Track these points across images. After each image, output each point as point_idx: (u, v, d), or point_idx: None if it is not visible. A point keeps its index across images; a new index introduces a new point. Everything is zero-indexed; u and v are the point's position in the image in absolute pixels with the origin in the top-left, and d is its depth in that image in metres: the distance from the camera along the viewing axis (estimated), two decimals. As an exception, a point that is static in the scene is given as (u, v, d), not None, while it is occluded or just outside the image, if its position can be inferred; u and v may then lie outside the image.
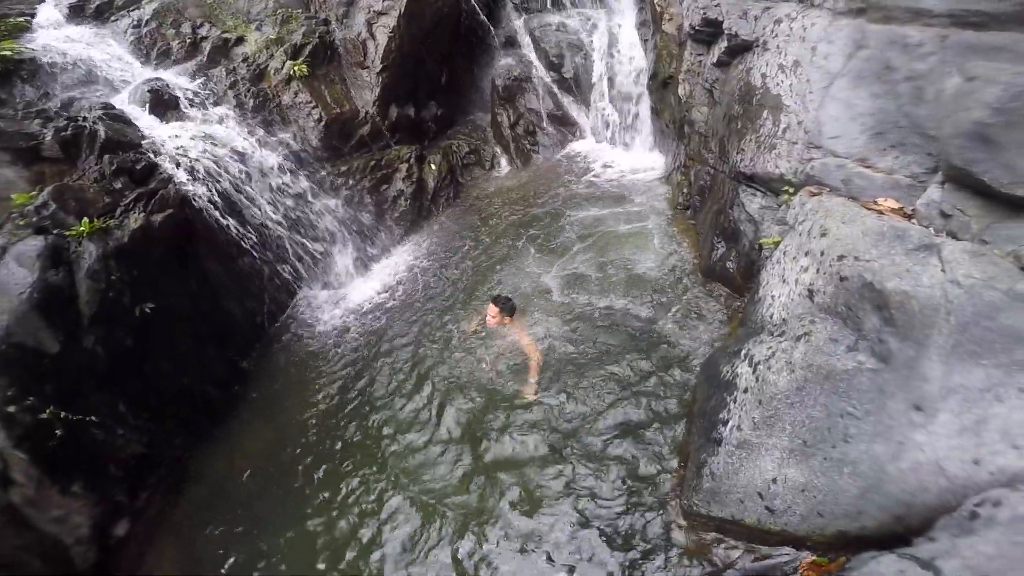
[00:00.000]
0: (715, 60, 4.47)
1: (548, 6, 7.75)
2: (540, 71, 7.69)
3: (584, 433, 3.66)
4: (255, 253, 5.66)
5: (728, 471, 2.69)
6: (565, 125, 7.75)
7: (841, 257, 2.72)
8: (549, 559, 3.01)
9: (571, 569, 2.92)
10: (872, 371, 2.44)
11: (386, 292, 6.02)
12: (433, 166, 7.44)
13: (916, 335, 2.35)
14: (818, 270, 2.85)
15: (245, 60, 6.22)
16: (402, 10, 6.69)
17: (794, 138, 3.60)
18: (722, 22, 4.24)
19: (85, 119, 4.89)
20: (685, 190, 5.31)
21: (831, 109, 3.38)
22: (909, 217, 2.87)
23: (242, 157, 5.63)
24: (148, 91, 5.42)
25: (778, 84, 3.76)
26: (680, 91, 5.17)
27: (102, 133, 4.84)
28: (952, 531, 1.95)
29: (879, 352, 2.45)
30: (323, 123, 6.36)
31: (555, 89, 7.64)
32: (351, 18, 6.89)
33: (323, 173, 6.40)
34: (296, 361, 5.38)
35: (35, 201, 4.26)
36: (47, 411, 3.78)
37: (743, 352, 2.99)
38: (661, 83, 5.65)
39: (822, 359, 2.57)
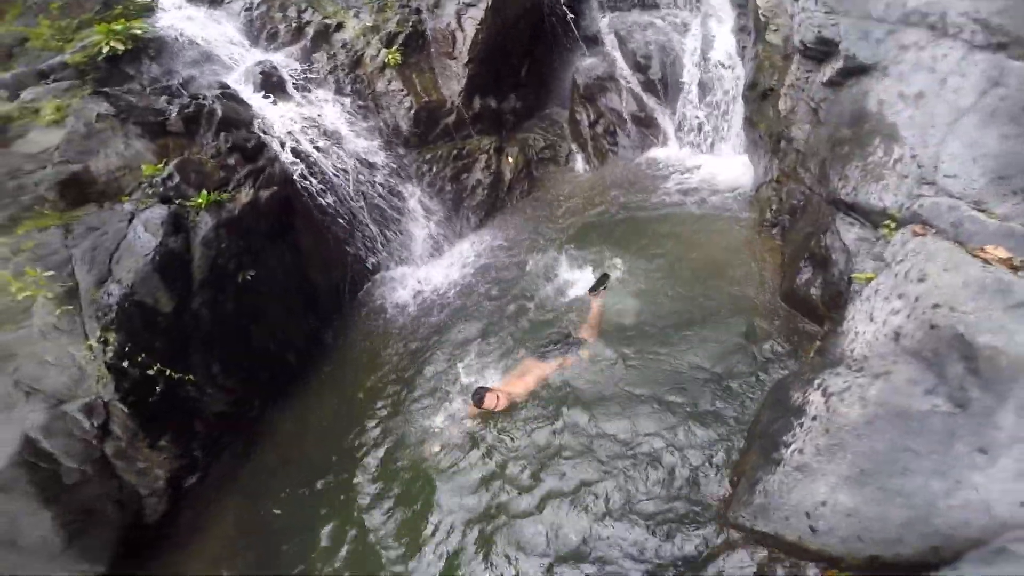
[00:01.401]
0: (825, 79, 4.40)
1: (636, 5, 7.72)
2: (624, 71, 7.70)
3: (637, 445, 3.82)
4: (343, 231, 6.21)
5: (781, 490, 2.85)
6: (647, 128, 7.73)
7: (936, 306, 2.77)
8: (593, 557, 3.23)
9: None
10: (946, 414, 2.55)
11: (458, 275, 6.48)
12: (511, 159, 7.70)
13: (998, 387, 2.44)
14: (909, 315, 2.89)
15: (344, 46, 6.67)
16: (490, 3, 6.94)
17: (905, 171, 3.57)
18: (839, 42, 4.17)
19: (205, 97, 5.46)
20: (774, 207, 5.25)
21: (952, 146, 3.33)
22: (1016, 269, 2.81)
23: (339, 140, 6.10)
24: (259, 72, 5.95)
25: (896, 113, 3.73)
26: (781, 105, 5.10)
27: (219, 111, 5.40)
28: (976, 563, 2.18)
29: (957, 398, 2.53)
30: (412, 111, 6.75)
31: (639, 91, 7.62)
32: (441, 8, 7.19)
33: (409, 159, 6.87)
34: (369, 336, 5.93)
35: (162, 173, 4.87)
36: (155, 367, 4.32)
37: (817, 382, 3.09)
38: (760, 94, 5.56)
39: (898, 398, 2.69)
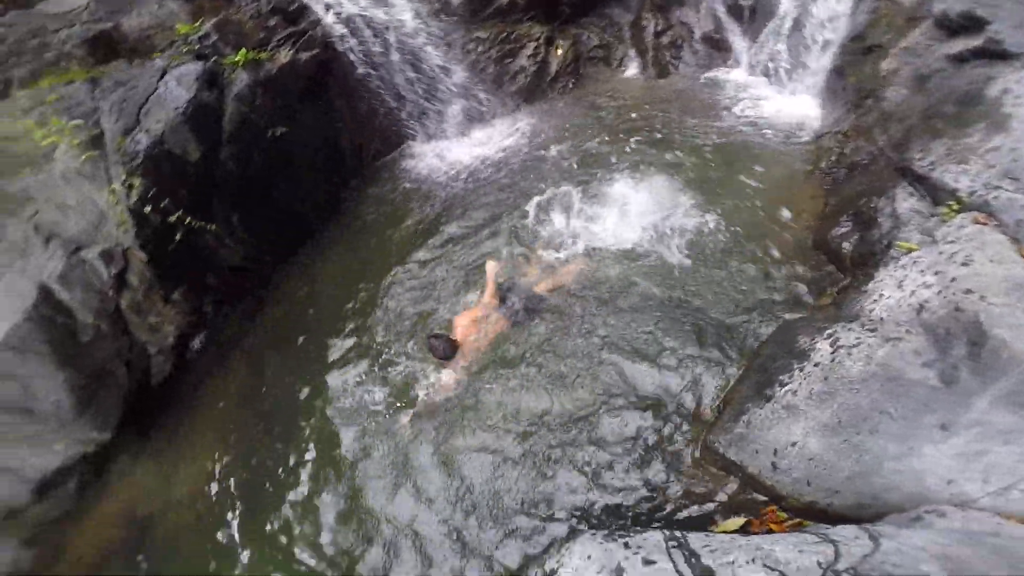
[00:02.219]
0: (953, 53, 4.41)
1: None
2: (712, -11, 7.27)
3: (642, 352, 4.12)
4: (376, 97, 6.38)
5: (763, 424, 3.18)
6: (719, 51, 7.46)
7: (968, 291, 2.93)
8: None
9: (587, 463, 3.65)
10: (931, 388, 2.79)
11: (482, 157, 6.71)
12: (560, 50, 7.54)
13: (989, 375, 2.66)
14: (939, 292, 3.07)
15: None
16: None
17: (994, 162, 3.67)
18: (989, 23, 4.17)
19: None
20: (833, 157, 5.32)
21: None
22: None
23: (386, 5, 6.04)
24: None
25: (1017, 106, 3.78)
26: (884, 64, 5.10)
27: None
28: (895, 526, 2.46)
29: (947, 376, 2.77)
30: (466, -14, 6.51)
31: (722, 12, 7.26)
32: None
33: (456, 35, 6.80)
34: (385, 202, 6.26)
35: (199, 31, 4.96)
36: (177, 214, 4.62)
37: (828, 332, 3.32)
38: (864, 48, 5.57)
39: (898, 364, 2.91)
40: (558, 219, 5.46)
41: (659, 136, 6.38)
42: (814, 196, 5.20)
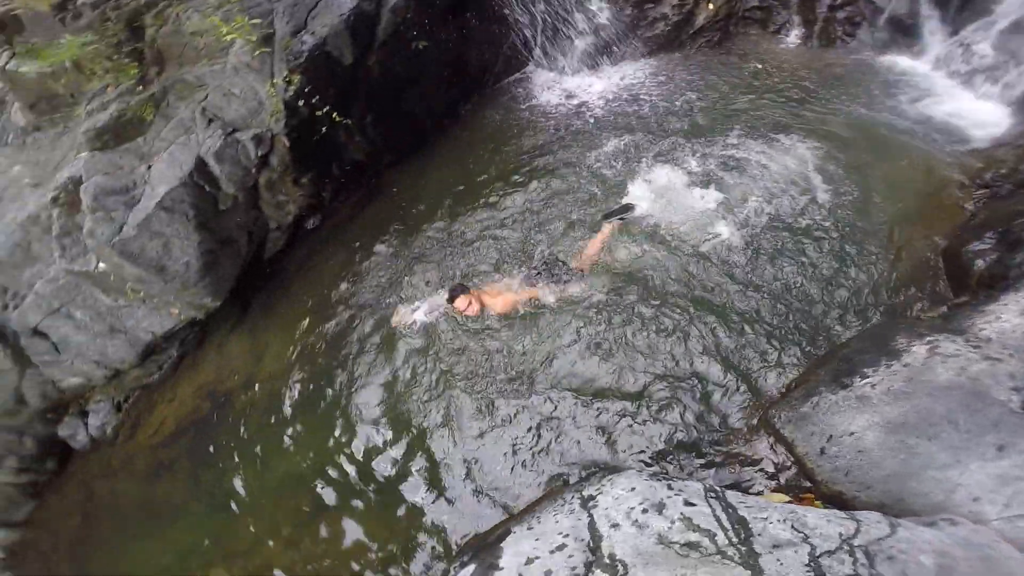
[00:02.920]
0: None
1: None
2: (917, -32, 6.76)
3: (724, 325, 4.38)
4: (507, 20, 6.84)
5: (831, 409, 3.34)
6: (904, 36, 6.96)
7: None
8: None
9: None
10: (1009, 410, 2.86)
11: (603, 95, 6.98)
12: (712, 5, 7.39)
13: None
14: None
15: None
16: None
17: None
18: None
19: None
20: (1003, 171, 5.04)
21: None
22: None
23: None
24: None
25: None
26: None
27: None
28: (911, 525, 2.63)
29: None
30: (624, -81, 6.58)
31: None
32: None
33: None
34: (501, 123, 6.84)
35: None
36: (323, 110, 5.38)
37: (929, 339, 3.40)
38: None
39: (988, 382, 2.97)
40: (663, 176, 5.61)
41: (804, 108, 6.22)
42: (959, 206, 5.03)
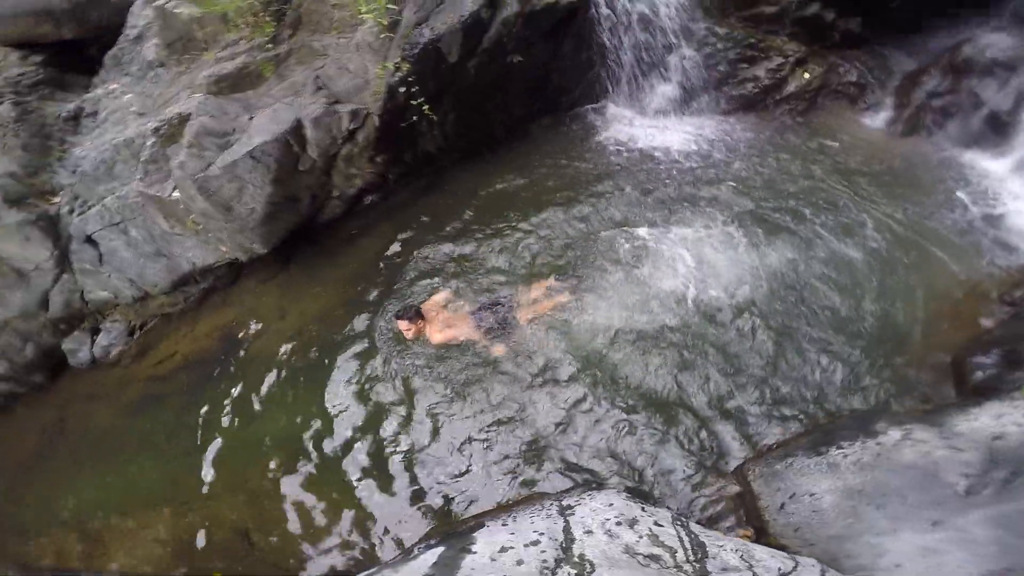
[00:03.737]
0: None
1: None
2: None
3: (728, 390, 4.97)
4: (600, 50, 7.52)
5: (800, 471, 3.92)
6: (996, 134, 7.06)
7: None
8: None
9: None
10: (953, 492, 3.38)
11: (670, 144, 7.53)
12: (807, 75, 7.84)
13: (1002, 497, 3.21)
14: (1020, 428, 3.55)
15: None
16: None
17: None
18: None
19: None
20: (1034, 291, 5.46)
21: None
22: None
23: None
24: None
25: None
26: None
27: None
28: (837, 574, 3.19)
29: (973, 489, 3.32)
30: (736, -18, 7.07)
31: None
32: None
33: (701, 24, 7.56)
34: (564, 145, 7.56)
35: None
36: (419, 100, 6.18)
37: (907, 426, 3.95)
38: None
39: (945, 466, 3.55)
40: (687, 236, 6.12)
41: (866, 194, 6.64)
42: (980, 319, 5.48)
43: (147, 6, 8.08)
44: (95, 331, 7.11)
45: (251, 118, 6.24)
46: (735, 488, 4.25)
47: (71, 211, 6.84)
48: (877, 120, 7.92)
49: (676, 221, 6.32)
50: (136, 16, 8.26)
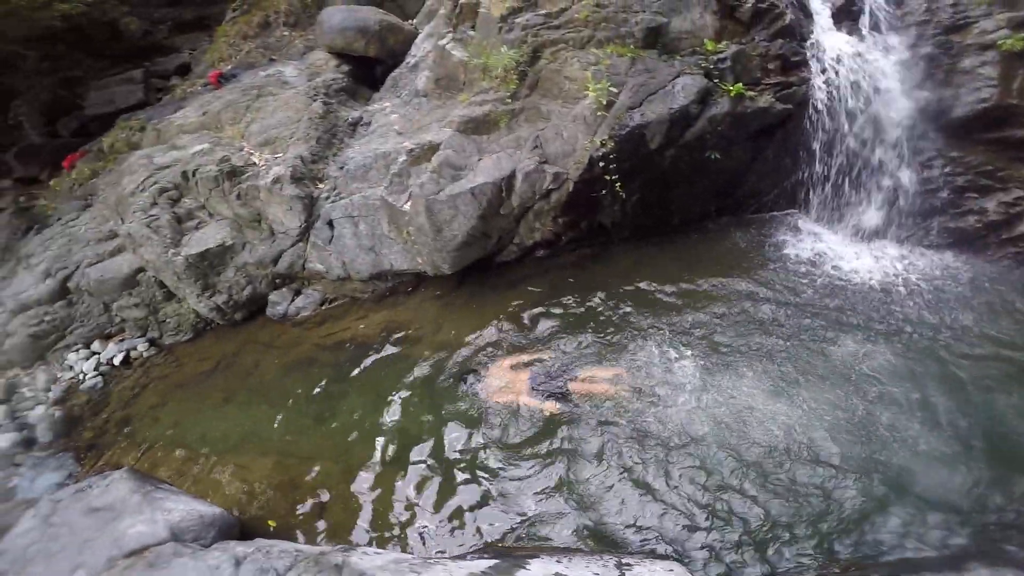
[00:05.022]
0: None
1: None
2: None
3: None
4: (804, 160, 7.58)
5: None
6: None
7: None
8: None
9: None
10: None
11: (858, 273, 6.99)
12: None
13: None
14: None
15: (955, 6, 7.12)
16: None
17: None
18: None
19: (779, 1, 7.19)
20: None
21: None
22: None
23: (878, 88, 7.18)
24: None
25: None
26: None
27: (787, 18, 7.17)
28: None
29: None
30: (984, 105, 6.93)
31: None
32: None
33: (931, 143, 7.32)
34: (738, 252, 7.44)
35: (720, 53, 7.18)
36: (613, 176, 7.12)
37: None
38: None
39: None
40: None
41: None
42: None
43: (427, 40, 9.88)
44: (297, 293, 8.82)
45: (479, 159, 7.62)
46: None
47: (327, 198, 8.88)
48: None
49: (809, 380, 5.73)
50: (417, 47, 10.30)
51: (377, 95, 10.49)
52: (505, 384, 6.14)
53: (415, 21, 11.38)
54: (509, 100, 7.87)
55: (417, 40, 10.50)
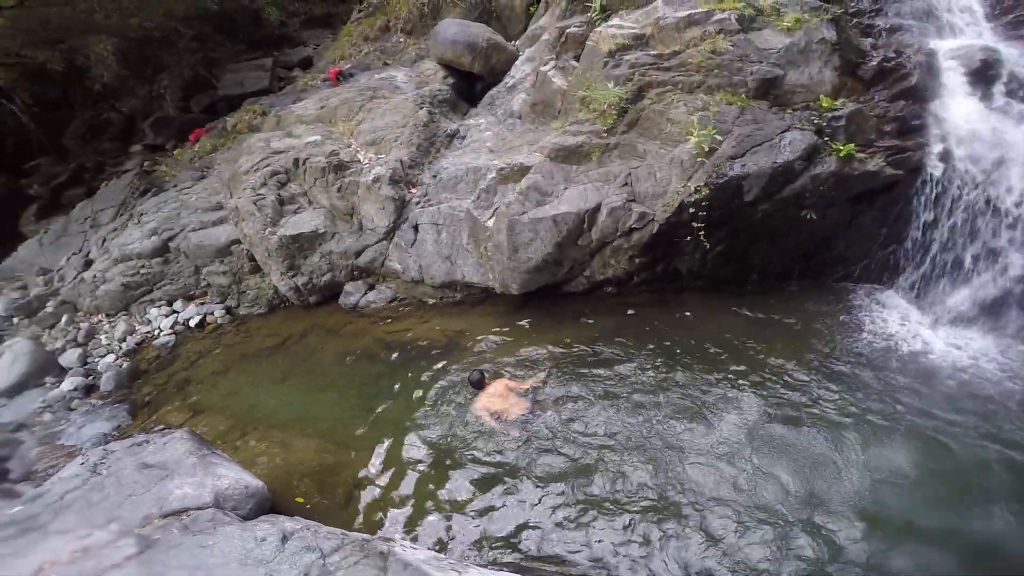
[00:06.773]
0: None
1: None
2: None
3: None
4: (901, 232, 6.92)
5: None
6: None
7: None
8: None
9: None
10: None
11: (956, 368, 6.05)
12: None
13: None
14: None
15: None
16: None
17: None
18: None
19: (907, 59, 6.63)
20: None
21: None
22: None
23: (998, 166, 6.37)
24: (979, 59, 6.48)
25: None
26: None
27: (913, 79, 6.55)
28: None
29: None
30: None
31: None
32: None
33: None
34: (815, 320, 6.79)
35: (835, 111, 6.70)
36: (699, 224, 6.70)
37: None
38: None
39: None
40: None
41: None
42: None
43: (527, 63, 9.86)
44: (370, 287, 9.13)
45: (566, 188, 7.51)
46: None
47: (417, 203, 9.08)
48: None
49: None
50: (517, 69, 10.28)
51: (474, 110, 10.55)
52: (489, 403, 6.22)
53: (517, 43, 11.38)
54: (605, 134, 7.64)
55: (517, 62, 10.49)
